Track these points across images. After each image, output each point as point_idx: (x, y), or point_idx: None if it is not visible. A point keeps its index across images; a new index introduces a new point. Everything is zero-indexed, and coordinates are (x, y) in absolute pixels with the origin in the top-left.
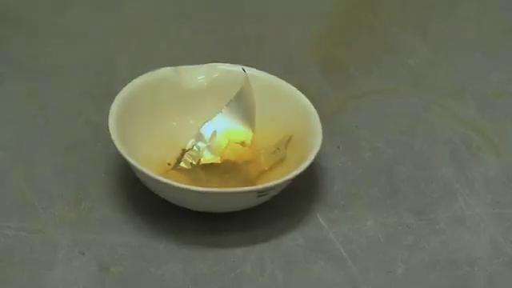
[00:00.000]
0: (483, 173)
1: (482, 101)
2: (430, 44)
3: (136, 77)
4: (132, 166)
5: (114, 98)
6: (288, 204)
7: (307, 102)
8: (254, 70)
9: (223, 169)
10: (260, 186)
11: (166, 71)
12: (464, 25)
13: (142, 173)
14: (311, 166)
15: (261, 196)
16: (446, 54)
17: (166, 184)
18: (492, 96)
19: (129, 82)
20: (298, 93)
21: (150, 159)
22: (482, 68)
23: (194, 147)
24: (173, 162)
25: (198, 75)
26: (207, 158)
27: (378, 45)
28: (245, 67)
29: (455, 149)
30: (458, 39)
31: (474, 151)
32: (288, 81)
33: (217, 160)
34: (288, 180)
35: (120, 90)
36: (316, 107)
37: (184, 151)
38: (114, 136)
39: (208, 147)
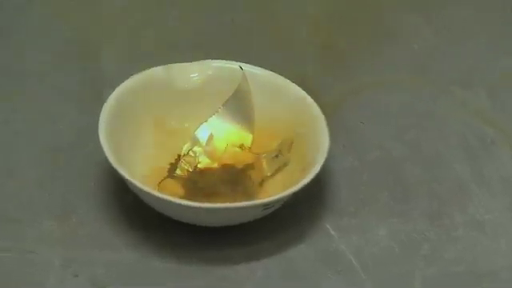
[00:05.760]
0: (499, 170)
1: (492, 88)
2: (434, 26)
3: (122, 71)
4: (124, 178)
5: (99, 96)
6: (293, 212)
7: (311, 100)
8: (252, 66)
9: (222, 175)
10: (265, 200)
11: (156, 71)
12: (469, 4)
13: (135, 186)
14: None
15: (266, 209)
16: (451, 37)
17: (160, 199)
18: (502, 82)
19: (115, 77)
20: (300, 91)
21: (143, 168)
22: (491, 51)
23: (190, 152)
24: (168, 169)
25: (191, 73)
26: (204, 163)
27: (379, 29)
28: (242, 64)
29: (468, 144)
30: (463, 20)
31: (488, 146)
32: (284, 72)
33: (214, 165)
34: (295, 191)
35: (106, 87)
36: (316, 101)
37: (179, 157)
38: (105, 145)
39: (205, 152)
